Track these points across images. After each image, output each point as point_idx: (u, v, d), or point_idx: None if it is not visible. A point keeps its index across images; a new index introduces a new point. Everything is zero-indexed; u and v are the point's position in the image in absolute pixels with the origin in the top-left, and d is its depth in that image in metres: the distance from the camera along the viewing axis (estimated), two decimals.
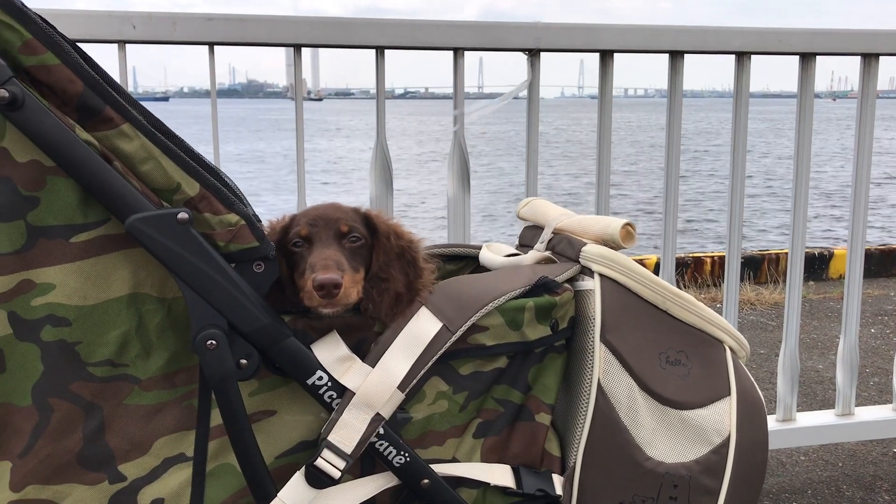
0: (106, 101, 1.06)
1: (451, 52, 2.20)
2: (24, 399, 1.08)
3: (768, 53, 2.41)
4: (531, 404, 1.32)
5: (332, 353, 1.16)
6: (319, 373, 1.15)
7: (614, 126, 2.36)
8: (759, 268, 5.61)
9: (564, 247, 1.44)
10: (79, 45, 1.22)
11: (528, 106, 2.29)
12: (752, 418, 1.36)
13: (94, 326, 1.10)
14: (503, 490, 1.29)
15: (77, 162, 1.04)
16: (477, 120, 2.21)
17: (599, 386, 1.30)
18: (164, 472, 1.15)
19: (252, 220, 1.14)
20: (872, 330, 4.33)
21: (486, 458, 1.29)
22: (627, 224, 1.38)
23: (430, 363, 1.19)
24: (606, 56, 2.28)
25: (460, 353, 1.25)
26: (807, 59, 2.41)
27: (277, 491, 1.15)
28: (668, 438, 1.31)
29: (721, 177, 15.38)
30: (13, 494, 1.09)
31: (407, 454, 1.20)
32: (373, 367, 1.17)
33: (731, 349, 1.38)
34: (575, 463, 1.32)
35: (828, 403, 3.19)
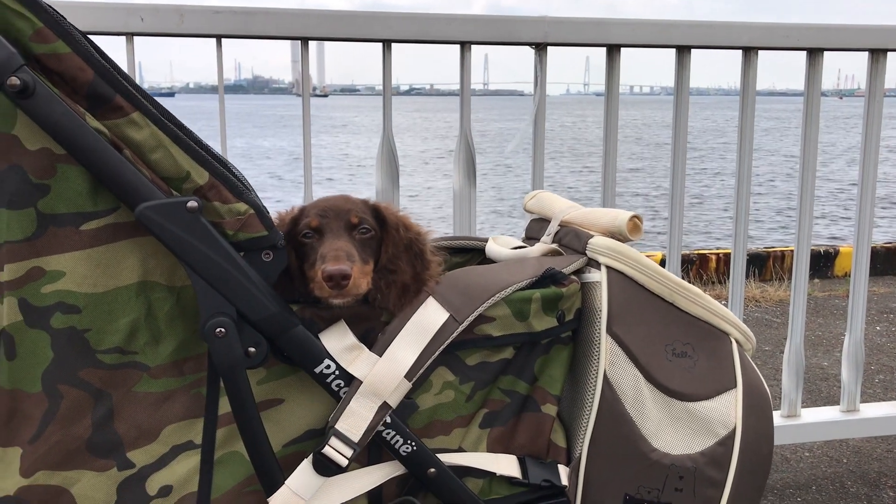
0: (116, 90, 1.06)
1: (457, 47, 2.20)
2: (34, 385, 1.09)
3: (776, 49, 2.41)
4: (537, 395, 1.32)
5: (339, 342, 1.17)
6: (327, 361, 1.16)
7: (620, 124, 2.36)
8: (765, 265, 5.60)
9: (571, 239, 1.44)
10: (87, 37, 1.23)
11: (535, 99, 2.29)
12: (758, 411, 1.36)
13: (104, 314, 1.10)
14: (509, 480, 1.30)
15: (87, 150, 1.04)
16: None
17: (605, 377, 1.30)
18: (173, 459, 1.16)
19: (261, 209, 1.14)
20: (878, 327, 4.33)
21: (492, 449, 1.30)
22: (635, 216, 1.38)
23: (436, 353, 1.20)
24: (614, 51, 2.28)
25: (467, 344, 1.25)
26: (814, 54, 2.40)
27: (285, 478, 1.16)
28: (674, 430, 1.32)
29: (727, 174, 15.36)
30: (23, 480, 1.10)
31: (414, 443, 1.21)
32: (380, 356, 1.17)
33: (737, 342, 1.38)
34: (581, 454, 1.32)
35: (832, 400, 3.18)
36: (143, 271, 1.12)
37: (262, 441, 1.15)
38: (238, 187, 1.13)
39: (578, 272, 1.37)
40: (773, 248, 6.00)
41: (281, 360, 1.18)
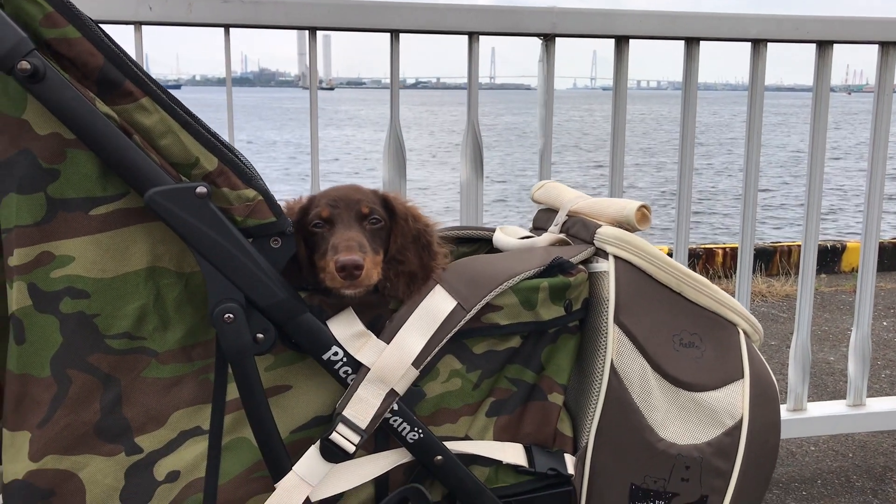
0: (126, 75, 1.06)
1: (465, 37, 2.19)
2: (43, 370, 1.09)
3: (785, 41, 2.40)
4: (544, 384, 1.32)
5: (347, 329, 1.17)
6: (335, 348, 1.16)
7: (627, 118, 2.35)
8: (771, 260, 5.59)
9: (579, 229, 1.44)
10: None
11: (542, 90, 2.28)
12: (765, 401, 1.36)
13: (113, 299, 1.11)
14: (515, 468, 1.30)
15: (97, 135, 1.04)
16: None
17: (612, 367, 1.30)
18: (180, 444, 1.16)
19: (270, 196, 1.14)
20: (885, 323, 4.31)
21: (499, 437, 1.30)
22: (643, 206, 1.38)
23: (444, 341, 1.20)
24: (622, 42, 2.28)
25: (474, 332, 1.25)
26: (823, 47, 2.39)
27: (292, 465, 1.16)
28: (681, 420, 1.32)
29: (734, 170, 15.31)
30: (32, 464, 1.10)
31: (421, 430, 1.21)
32: (388, 343, 1.18)
33: (744, 332, 1.38)
34: (587, 443, 1.32)
35: (839, 395, 3.18)
36: (151, 257, 1.12)
37: (269, 427, 1.15)
38: (247, 173, 1.13)
39: (586, 262, 1.37)
40: (779, 242, 5.99)
41: (289, 347, 1.18)
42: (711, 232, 9.24)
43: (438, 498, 1.27)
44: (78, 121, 1.03)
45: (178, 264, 1.14)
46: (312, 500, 1.18)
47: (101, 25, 1.35)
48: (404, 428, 1.20)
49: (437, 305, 1.20)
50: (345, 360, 1.17)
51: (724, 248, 5.57)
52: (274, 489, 1.16)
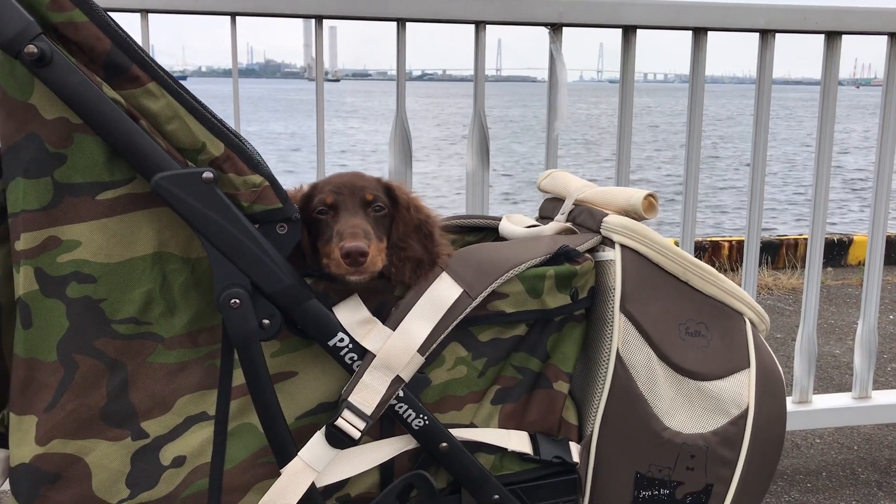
0: (133, 60, 1.06)
1: (472, 27, 2.19)
2: (50, 354, 1.10)
3: (793, 32, 2.38)
4: (549, 372, 1.32)
5: (353, 316, 1.17)
6: (341, 335, 1.16)
7: (633, 111, 2.34)
8: (777, 253, 5.57)
9: (585, 218, 1.44)
10: None
11: (549, 79, 2.28)
12: (770, 391, 1.36)
13: (119, 284, 1.11)
14: (520, 456, 1.30)
15: (104, 119, 1.04)
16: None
17: (618, 355, 1.30)
18: (186, 430, 1.17)
19: (276, 182, 1.14)
20: (891, 316, 4.30)
21: (504, 425, 1.30)
22: (650, 195, 1.37)
23: (449, 328, 1.20)
24: (629, 32, 2.27)
25: (480, 320, 1.25)
26: (832, 38, 2.38)
27: (298, 450, 1.17)
28: (687, 409, 1.32)
29: (741, 163, 15.26)
30: (38, 448, 1.11)
31: (426, 417, 1.21)
32: (393, 330, 1.17)
33: (751, 322, 1.38)
34: (592, 431, 1.32)
35: (844, 388, 3.17)
36: (158, 242, 1.12)
37: (275, 413, 1.15)
38: (253, 159, 1.13)
39: (592, 250, 1.37)
40: (786, 236, 5.97)
41: (294, 333, 1.18)
42: (716, 225, 9.21)
43: (443, 485, 1.28)
44: (85, 105, 1.03)
45: (185, 250, 1.14)
46: (318, 485, 1.18)
47: (107, 13, 1.36)
48: (410, 415, 1.20)
49: (442, 292, 1.20)
50: (350, 346, 1.17)
51: (730, 241, 5.56)
52: (279, 474, 1.17)
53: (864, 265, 2.53)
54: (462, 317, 1.21)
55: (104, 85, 1.05)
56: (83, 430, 1.12)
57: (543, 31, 2.25)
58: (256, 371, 1.13)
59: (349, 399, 1.16)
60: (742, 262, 2.46)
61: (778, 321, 4.21)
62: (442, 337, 1.19)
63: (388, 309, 1.21)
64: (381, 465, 1.24)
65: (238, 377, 1.17)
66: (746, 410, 1.33)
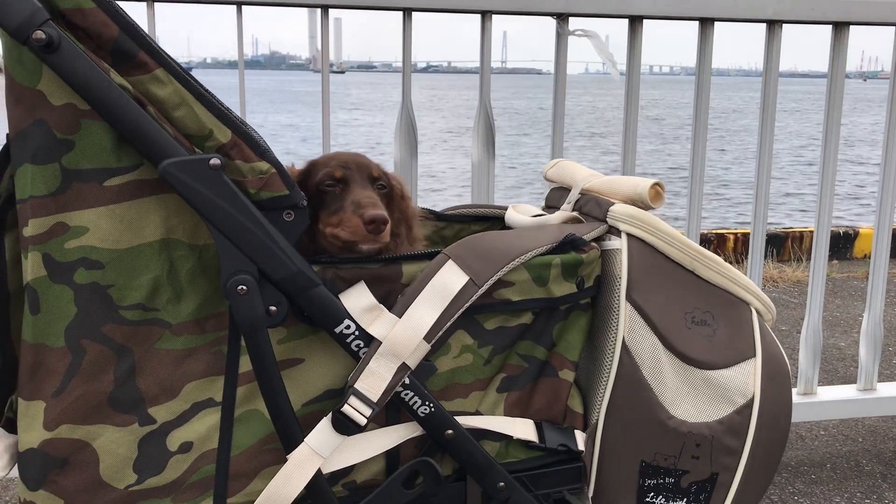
0: (140, 46, 1.06)
1: (478, 16, 2.18)
2: (58, 340, 1.10)
3: (801, 22, 2.37)
4: (555, 361, 1.32)
5: (359, 303, 1.17)
6: (347, 321, 1.16)
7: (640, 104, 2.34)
8: (783, 245, 5.56)
9: (592, 207, 1.44)
10: None
11: (555, 69, 2.27)
12: (776, 380, 1.36)
13: (127, 270, 1.11)
14: (526, 444, 1.31)
15: (112, 105, 1.04)
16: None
17: (624, 344, 1.30)
18: (193, 416, 1.17)
19: (282, 169, 1.14)
20: None
21: (509, 413, 1.31)
22: (656, 184, 1.37)
23: (455, 316, 1.20)
24: (636, 22, 2.26)
25: (486, 308, 1.25)
26: (839, 28, 2.37)
27: (304, 437, 1.17)
28: (692, 398, 1.32)
29: (746, 157, 15.22)
30: (46, 433, 1.11)
31: (432, 404, 1.21)
32: (399, 317, 1.18)
33: (757, 311, 1.38)
34: (598, 420, 1.32)
35: (849, 380, 3.17)
36: (165, 229, 1.13)
37: (282, 399, 1.16)
38: (260, 146, 1.13)
39: (599, 239, 1.37)
40: (791, 228, 5.96)
41: (301, 320, 1.18)
42: (721, 219, 9.19)
43: (449, 472, 1.28)
44: (93, 91, 1.04)
45: (192, 236, 1.15)
46: (324, 471, 1.19)
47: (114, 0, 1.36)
48: (415, 402, 1.21)
49: (448, 280, 1.20)
50: (357, 333, 1.17)
51: (735, 234, 5.55)
52: (286, 460, 1.17)
53: (869, 258, 2.53)
54: (468, 304, 1.21)
55: (112, 71, 1.05)
56: (91, 416, 1.13)
57: (549, 23, 2.25)
58: (263, 358, 1.14)
59: (355, 386, 1.16)
60: (747, 254, 2.46)
61: (783, 313, 4.21)
62: (448, 324, 1.20)
63: (393, 297, 1.21)
64: (386, 451, 1.24)
65: (245, 364, 1.17)
66: (752, 400, 1.33)
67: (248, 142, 1.12)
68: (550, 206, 1.63)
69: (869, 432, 2.79)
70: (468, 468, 1.26)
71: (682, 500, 1.33)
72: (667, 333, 1.31)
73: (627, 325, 1.30)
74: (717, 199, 10.49)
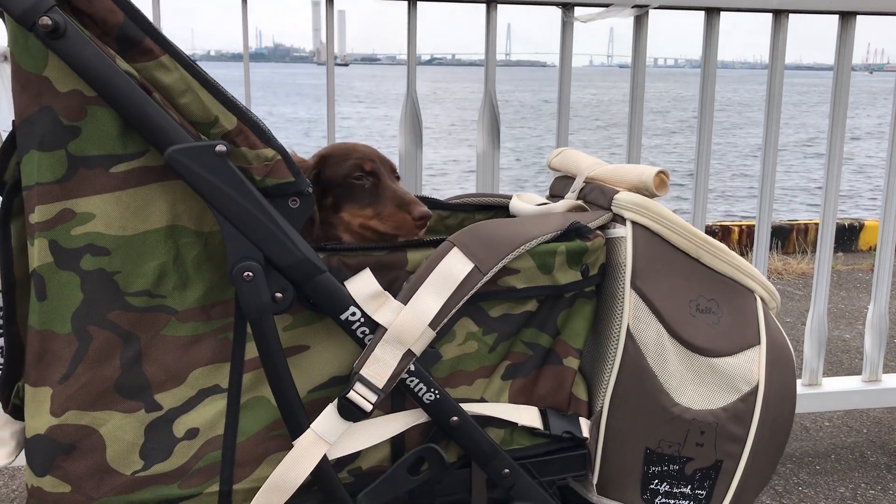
0: (146, 33, 1.06)
1: (483, 6, 2.18)
2: (65, 326, 1.11)
3: (807, 12, 2.36)
4: (559, 348, 1.33)
5: (364, 290, 1.18)
6: (353, 308, 1.16)
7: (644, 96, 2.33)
8: (788, 238, 5.56)
9: (597, 195, 1.44)
10: None
11: (560, 58, 2.27)
12: (781, 368, 1.36)
13: (133, 257, 1.11)
14: (530, 431, 1.31)
15: (117, 92, 1.04)
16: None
17: (628, 331, 1.30)
18: (199, 402, 1.18)
19: (288, 156, 1.14)
20: None
21: (514, 400, 1.31)
22: (661, 172, 1.37)
23: (460, 303, 1.20)
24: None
25: (491, 295, 1.25)
26: (846, 18, 2.36)
27: (310, 423, 1.17)
28: (697, 385, 1.32)
29: (751, 151, 15.18)
30: (53, 419, 1.12)
31: (437, 391, 1.21)
32: (405, 304, 1.18)
33: (761, 299, 1.38)
34: (602, 407, 1.33)
35: (854, 372, 3.16)
36: (171, 216, 1.13)
37: (288, 386, 1.16)
38: (266, 133, 1.13)
39: (604, 227, 1.37)
40: (796, 220, 5.95)
41: (306, 307, 1.19)
42: (726, 213, 9.18)
43: (454, 458, 1.28)
44: (98, 77, 1.04)
45: (198, 223, 1.15)
46: (330, 458, 1.19)
47: None
48: (421, 388, 1.21)
49: (453, 267, 1.20)
50: (362, 320, 1.17)
51: (740, 226, 5.55)
52: (292, 447, 1.18)
53: (874, 250, 2.52)
54: (473, 292, 1.21)
55: (117, 58, 1.05)
56: (97, 402, 1.13)
57: (554, 15, 2.24)
58: (269, 344, 1.14)
59: (361, 372, 1.16)
60: (752, 246, 2.45)
61: (788, 305, 4.20)
62: (453, 312, 1.20)
63: (398, 284, 1.21)
64: (392, 438, 1.24)
65: (251, 350, 1.18)
66: (756, 387, 1.33)
67: (253, 129, 1.12)
68: (555, 195, 1.63)
69: (874, 423, 2.79)
70: (473, 455, 1.27)
71: (686, 486, 1.33)
72: (671, 321, 1.31)
73: (632, 313, 1.30)
74: (722, 194, 10.47)
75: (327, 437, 1.17)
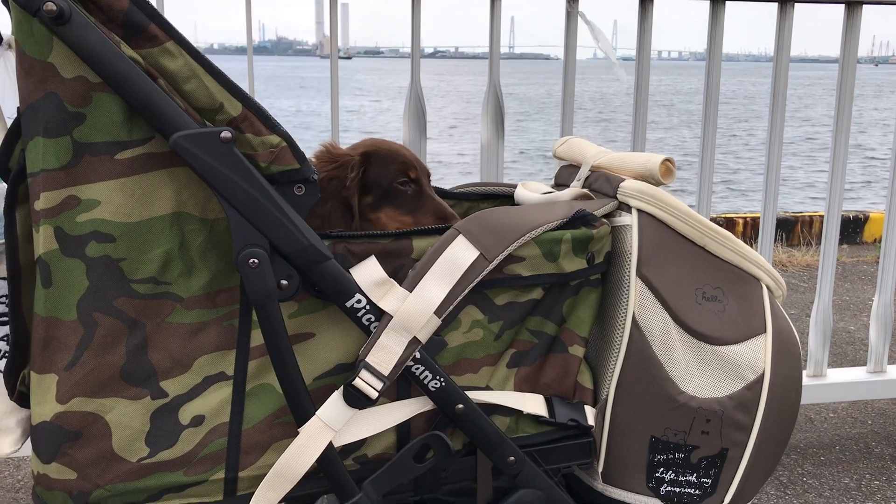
0: (151, 19, 1.06)
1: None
2: (70, 314, 1.11)
3: (813, 1, 2.35)
4: (565, 336, 1.32)
5: (370, 277, 1.17)
6: (358, 296, 1.16)
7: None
8: (792, 230, 5.54)
9: (602, 183, 1.43)
10: None
11: (564, 48, 2.26)
12: (786, 356, 1.36)
13: (138, 244, 1.11)
14: (536, 419, 1.31)
15: (122, 78, 1.04)
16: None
17: (634, 320, 1.30)
18: (205, 389, 1.18)
19: (293, 143, 1.14)
20: None
21: (520, 388, 1.31)
22: (667, 159, 1.37)
23: (466, 290, 1.20)
24: (646, 2, 2.25)
25: (496, 283, 1.25)
26: (852, 7, 2.35)
27: (316, 410, 1.17)
28: (702, 373, 1.31)
29: (755, 144, 15.14)
30: (59, 406, 1.12)
31: (442, 379, 1.21)
32: (410, 291, 1.18)
33: (767, 287, 1.37)
34: (608, 395, 1.32)
35: (859, 363, 3.16)
36: (176, 202, 1.13)
37: (293, 373, 1.16)
38: (271, 120, 1.13)
39: (609, 215, 1.37)
40: (801, 212, 5.94)
41: (312, 294, 1.19)
42: (731, 208, 9.16)
43: (459, 446, 1.28)
44: (103, 64, 1.03)
45: (203, 210, 1.15)
46: (335, 445, 1.19)
47: None
48: (426, 376, 1.21)
49: (459, 255, 1.20)
50: (368, 307, 1.17)
51: (744, 218, 5.54)
52: (297, 434, 1.18)
53: (879, 242, 2.52)
54: (478, 279, 1.21)
55: (122, 44, 1.05)
56: (103, 389, 1.13)
57: (557, 7, 2.23)
58: (275, 331, 1.14)
59: (366, 359, 1.16)
60: (757, 238, 2.45)
61: (792, 297, 4.20)
62: (458, 299, 1.19)
63: (404, 272, 1.21)
64: (397, 426, 1.24)
65: (256, 338, 1.18)
66: (762, 375, 1.33)
67: (258, 115, 1.12)
68: (560, 184, 1.63)
69: (878, 414, 2.79)
70: (478, 442, 1.27)
71: (691, 475, 1.33)
72: (677, 309, 1.30)
73: (637, 301, 1.30)
74: (727, 187, 10.45)
75: (333, 424, 1.17)
